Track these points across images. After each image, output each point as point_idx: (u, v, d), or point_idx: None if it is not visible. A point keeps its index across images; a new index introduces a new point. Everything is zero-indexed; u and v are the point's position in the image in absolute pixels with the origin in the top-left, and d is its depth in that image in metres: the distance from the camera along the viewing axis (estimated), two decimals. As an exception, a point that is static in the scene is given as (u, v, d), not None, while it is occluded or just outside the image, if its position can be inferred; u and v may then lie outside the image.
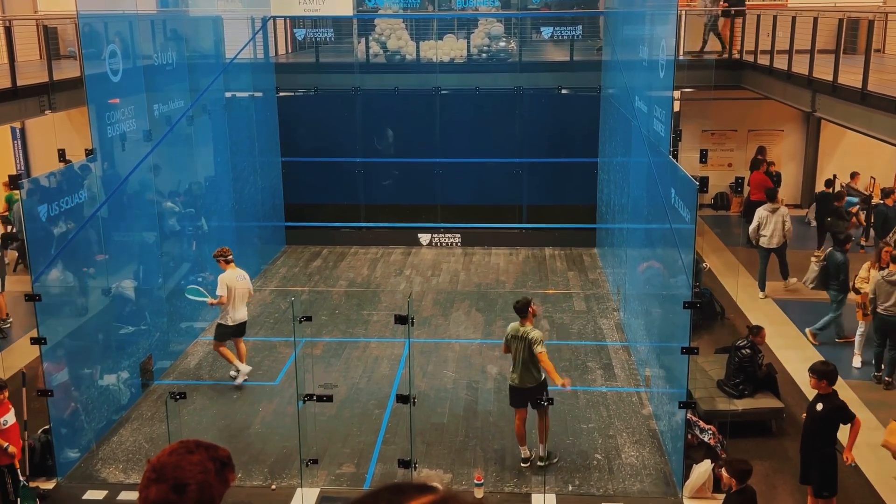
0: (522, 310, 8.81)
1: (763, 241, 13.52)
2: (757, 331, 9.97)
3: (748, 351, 9.75)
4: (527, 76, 16.22)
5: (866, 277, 11.25)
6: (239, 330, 10.78)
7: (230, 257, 10.63)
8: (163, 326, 11.26)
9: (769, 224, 13.40)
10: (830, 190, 16.67)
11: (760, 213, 13.59)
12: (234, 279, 10.55)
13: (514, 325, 8.91)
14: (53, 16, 15.98)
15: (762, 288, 13.85)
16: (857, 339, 11.41)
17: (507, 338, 8.91)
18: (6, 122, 14.64)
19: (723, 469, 7.30)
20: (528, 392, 8.84)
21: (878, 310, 10.69)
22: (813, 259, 12.59)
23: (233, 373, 10.92)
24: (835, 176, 17.32)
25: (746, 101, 17.88)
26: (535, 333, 8.70)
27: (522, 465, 8.94)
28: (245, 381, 10.82)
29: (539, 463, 8.91)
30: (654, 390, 10.09)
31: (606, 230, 15.09)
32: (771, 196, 13.65)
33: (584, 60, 16.57)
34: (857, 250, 15.05)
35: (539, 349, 8.60)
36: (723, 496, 8.35)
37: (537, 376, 8.80)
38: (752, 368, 9.73)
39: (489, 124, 16.37)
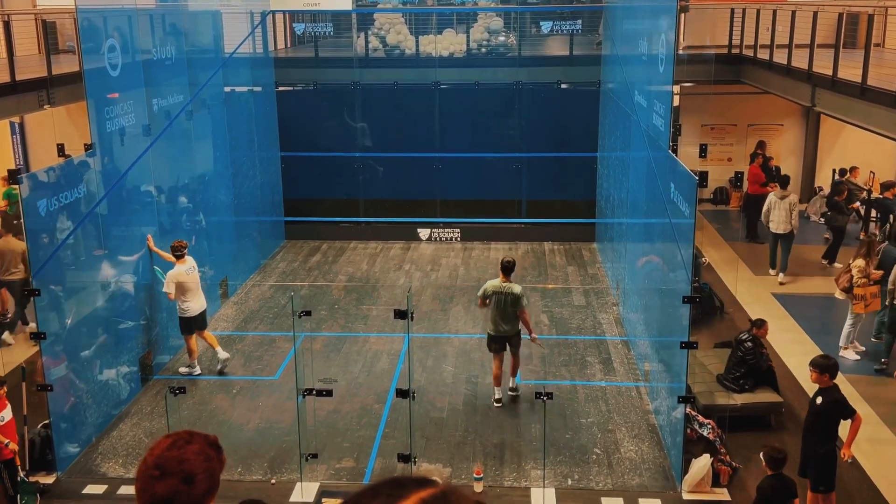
0: (510, 268, 9.83)
1: (772, 227, 14.18)
2: (760, 324, 9.96)
3: (750, 344, 9.76)
4: (526, 70, 16.21)
5: (863, 268, 11.13)
6: (200, 319, 10.84)
7: (182, 252, 10.60)
8: (162, 321, 11.25)
9: (776, 209, 14.01)
10: (843, 178, 16.67)
11: (771, 198, 14.26)
12: (182, 274, 10.56)
13: (493, 281, 9.93)
14: (52, 10, 15.93)
15: (772, 266, 14.48)
16: (844, 331, 11.41)
17: (487, 292, 9.86)
18: (5, 116, 14.63)
19: (762, 456, 7.35)
20: (506, 338, 9.93)
21: None
22: None
23: (219, 366, 10.98)
24: (835, 170, 17.30)
25: (746, 96, 17.88)
26: (518, 289, 9.79)
27: (496, 405, 10.01)
28: (226, 364, 10.96)
29: (510, 392, 10.11)
30: (654, 385, 10.09)
31: (606, 225, 15.08)
32: (783, 183, 14.30)
33: (583, 55, 16.54)
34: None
35: (525, 303, 9.85)
36: (722, 490, 8.42)
37: (515, 325, 9.93)
38: (755, 361, 9.72)
39: (488, 119, 16.35)
